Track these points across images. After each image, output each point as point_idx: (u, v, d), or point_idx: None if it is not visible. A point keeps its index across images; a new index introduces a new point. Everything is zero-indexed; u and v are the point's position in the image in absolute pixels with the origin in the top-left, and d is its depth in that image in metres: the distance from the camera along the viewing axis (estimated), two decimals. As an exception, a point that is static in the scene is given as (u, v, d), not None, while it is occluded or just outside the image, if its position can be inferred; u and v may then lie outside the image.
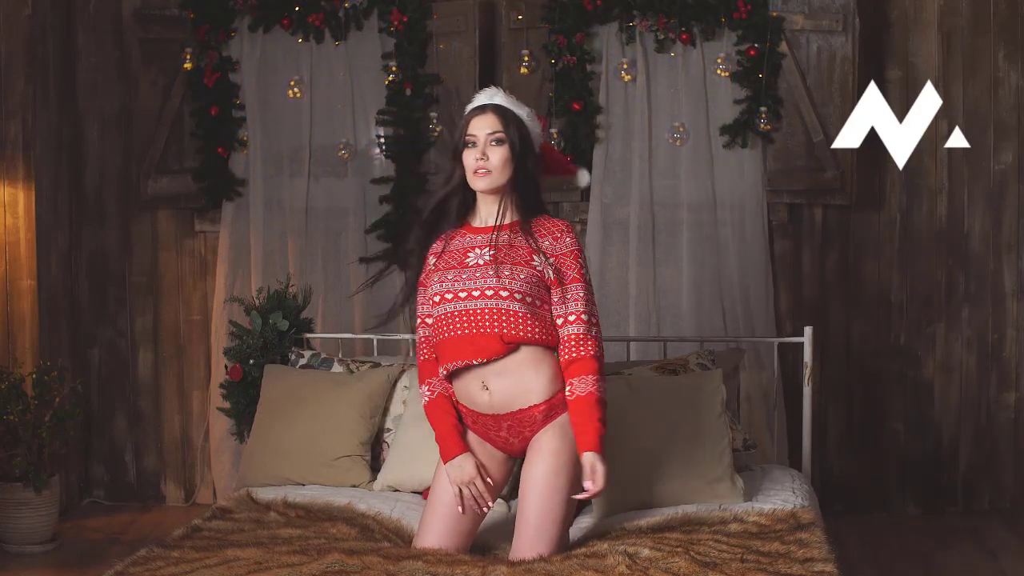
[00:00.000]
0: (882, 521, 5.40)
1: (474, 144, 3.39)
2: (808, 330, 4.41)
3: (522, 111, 3.44)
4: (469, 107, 3.47)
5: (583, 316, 3.34)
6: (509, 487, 3.75)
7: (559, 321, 3.36)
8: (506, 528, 3.57)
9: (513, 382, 3.33)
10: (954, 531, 5.23)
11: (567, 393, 3.33)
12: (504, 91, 3.48)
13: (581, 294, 3.35)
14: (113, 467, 5.72)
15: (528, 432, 3.37)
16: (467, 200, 3.47)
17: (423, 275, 3.48)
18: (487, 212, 3.45)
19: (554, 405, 3.34)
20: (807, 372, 4.40)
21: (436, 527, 3.40)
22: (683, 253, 5.43)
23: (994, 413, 5.51)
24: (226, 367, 4.61)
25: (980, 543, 5.05)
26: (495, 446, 3.44)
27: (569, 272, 3.36)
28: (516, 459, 3.52)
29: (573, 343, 3.33)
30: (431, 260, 3.47)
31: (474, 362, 3.33)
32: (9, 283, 5.23)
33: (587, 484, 3.28)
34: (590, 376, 3.31)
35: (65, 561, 4.89)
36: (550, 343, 3.35)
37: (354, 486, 4.04)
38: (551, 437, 3.34)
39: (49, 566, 4.83)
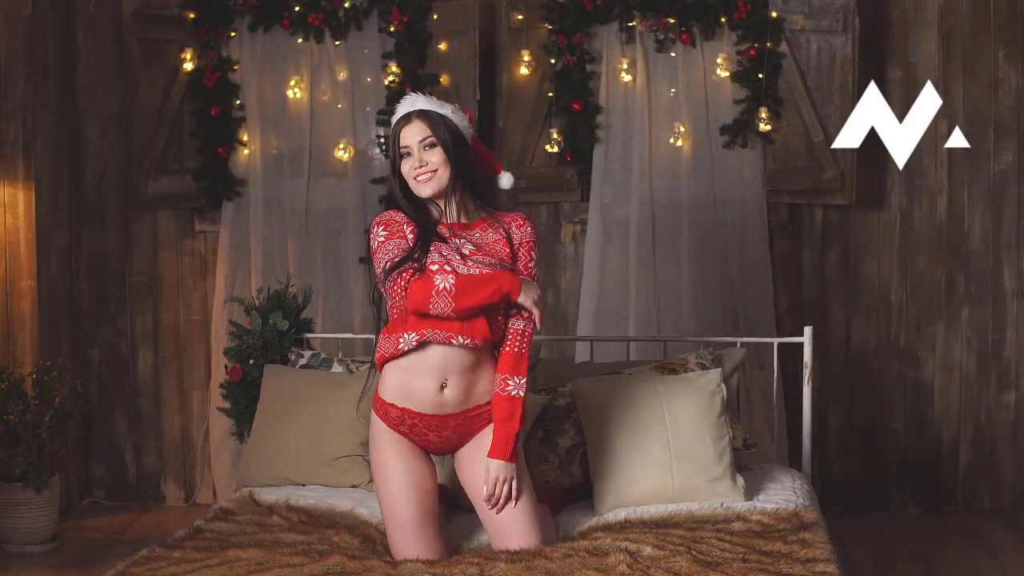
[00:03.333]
0: (882, 521, 5.40)
1: (409, 154, 3.38)
2: (808, 330, 4.41)
3: (446, 109, 3.42)
4: (394, 119, 3.45)
5: (523, 312, 3.37)
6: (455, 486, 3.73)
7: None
8: (462, 525, 3.60)
9: (472, 381, 3.36)
10: (954, 531, 5.23)
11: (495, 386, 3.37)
12: (423, 93, 3.49)
13: None
14: (113, 467, 5.72)
15: (476, 428, 3.41)
16: (419, 209, 3.41)
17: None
18: (439, 214, 3.43)
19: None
20: (807, 372, 4.40)
21: (410, 547, 3.34)
22: (683, 253, 5.43)
23: (994, 413, 5.51)
24: (226, 367, 4.60)
25: (980, 543, 5.05)
26: (428, 446, 3.43)
27: (521, 262, 3.40)
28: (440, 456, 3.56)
29: (510, 336, 3.36)
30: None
31: (454, 341, 3.30)
32: (9, 283, 5.23)
33: (484, 489, 3.34)
34: (500, 375, 3.34)
35: (65, 561, 4.89)
36: (497, 340, 3.39)
37: (354, 486, 4.03)
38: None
39: (49, 566, 4.83)
